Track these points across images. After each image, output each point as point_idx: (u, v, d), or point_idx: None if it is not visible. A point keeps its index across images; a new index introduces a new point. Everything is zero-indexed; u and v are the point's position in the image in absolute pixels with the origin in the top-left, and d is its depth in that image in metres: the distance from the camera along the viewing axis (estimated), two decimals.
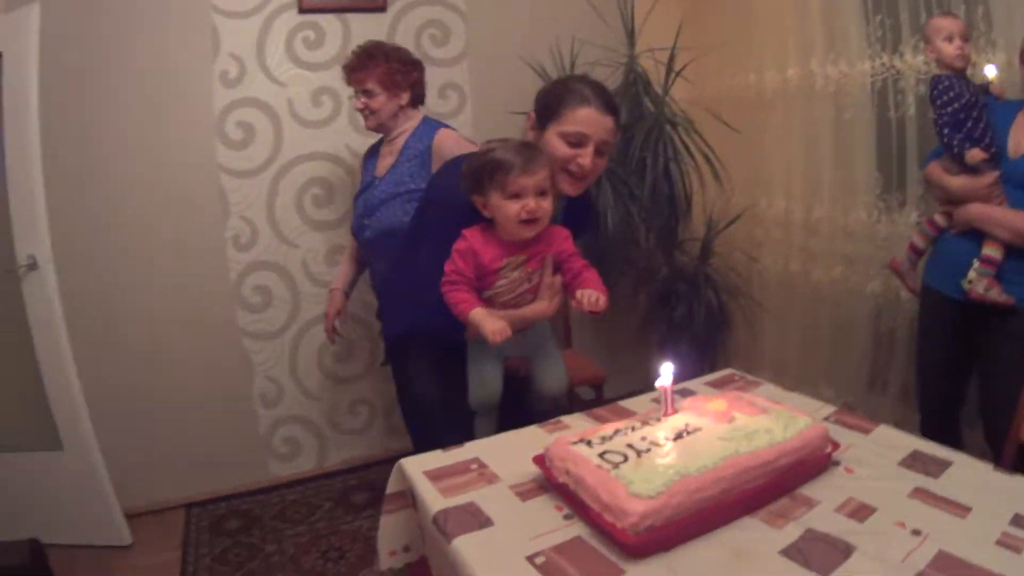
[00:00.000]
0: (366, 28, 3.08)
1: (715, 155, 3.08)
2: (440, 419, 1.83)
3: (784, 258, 3.16)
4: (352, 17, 3.08)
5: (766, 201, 3.24)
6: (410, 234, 2.02)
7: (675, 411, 1.37)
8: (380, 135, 2.57)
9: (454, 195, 1.73)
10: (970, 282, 1.97)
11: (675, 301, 3.18)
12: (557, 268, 1.78)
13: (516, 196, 1.61)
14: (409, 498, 1.43)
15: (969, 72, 2.04)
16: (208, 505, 2.99)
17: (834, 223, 2.87)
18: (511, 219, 1.63)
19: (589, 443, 1.25)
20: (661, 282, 3.30)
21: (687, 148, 3.11)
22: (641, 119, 3.09)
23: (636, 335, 3.44)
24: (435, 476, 1.38)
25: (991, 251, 1.94)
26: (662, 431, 1.28)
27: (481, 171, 1.64)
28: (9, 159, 2.50)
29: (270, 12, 2.95)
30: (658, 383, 1.35)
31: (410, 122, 2.48)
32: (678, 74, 3.15)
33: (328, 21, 3.05)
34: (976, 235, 1.99)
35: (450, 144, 2.35)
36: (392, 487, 1.46)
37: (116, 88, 2.76)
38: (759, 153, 3.20)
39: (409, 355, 1.99)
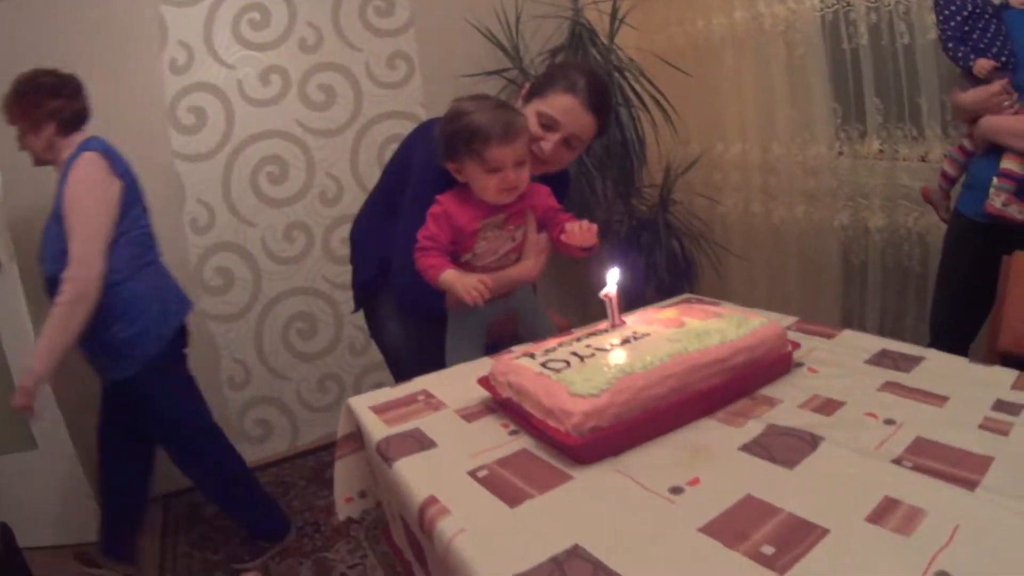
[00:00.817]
0: (311, 5, 3.06)
1: (666, 100, 3.04)
2: (411, 365, 1.73)
3: (744, 200, 3.13)
4: None
5: (722, 146, 3.20)
6: (382, 196, 1.97)
7: (622, 322, 1.32)
8: None
9: (431, 160, 1.64)
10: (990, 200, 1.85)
11: (637, 250, 3.12)
12: (542, 227, 1.72)
13: (494, 169, 1.54)
14: (360, 439, 1.37)
15: None
16: (185, 495, 2.94)
17: (792, 160, 2.82)
18: (489, 190, 1.56)
19: (532, 356, 1.20)
20: (623, 231, 3.25)
21: (637, 95, 3.06)
22: None
23: (600, 286, 3.38)
24: (380, 410, 1.32)
25: (1009, 164, 1.82)
26: (608, 339, 1.22)
27: (455, 137, 1.55)
28: None
29: None
30: (602, 292, 1.30)
31: (67, 151, 2.12)
32: (621, 21, 3.11)
33: (273, 1, 3.00)
34: (1001, 153, 1.87)
35: (71, 175, 2.04)
36: (343, 429, 1.40)
37: None
38: (713, 98, 3.15)
39: (378, 302, 1.96)
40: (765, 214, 3.02)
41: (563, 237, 1.60)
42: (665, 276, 3.04)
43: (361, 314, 2.09)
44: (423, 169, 1.71)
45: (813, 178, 2.76)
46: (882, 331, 2.61)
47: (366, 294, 2.00)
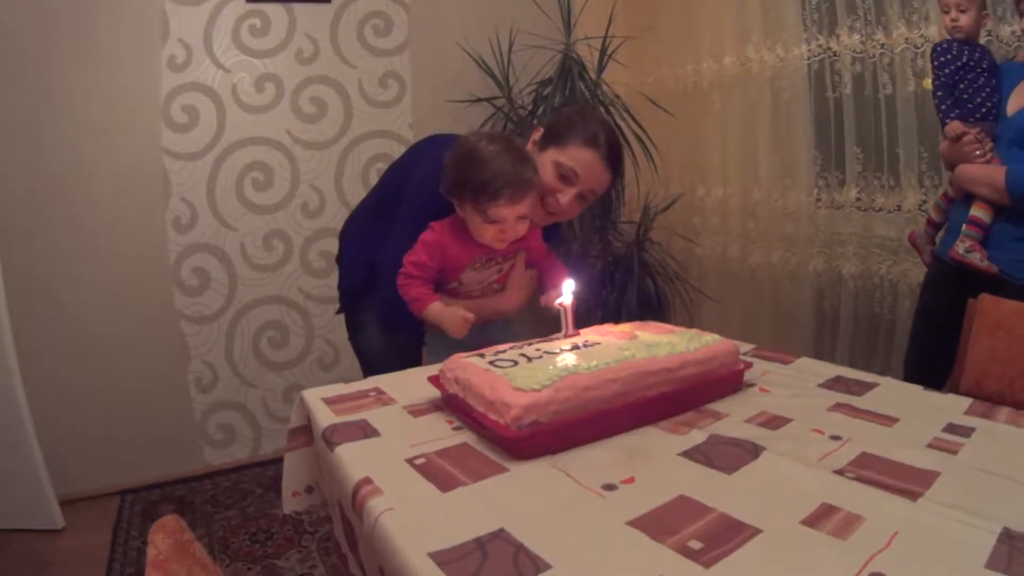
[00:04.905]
0: (311, 18, 3.11)
1: (648, 137, 3.08)
2: (386, 369, 1.74)
3: (722, 244, 3.15)
4: (298, 7, 3.09)
5: (704, 189, 3.24)
6: (376, 201, 1.95)
7: (576, 333, 1.33)
8: None
9: (432, 183, 1.61)
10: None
11: (611, 286, 3.13)
12: (529, 264, 1.74)
13: (495, 222, 1.53)
14: (310, 433, 1.36)
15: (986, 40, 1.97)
16: (143, 492, 2.93)
17: (772, 206, 2.85)
18: (485, 237, 1.56)
19: (482, 355, 1.21)
20: (599, 266, 3.26)
21: (621, 132, 3.08)
22: (574, 103, 3.07)
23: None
24: (332, 401, 1.32)
25: (977, 212, 1.83)
26: (559, 344, 1.24)
27: (464, 182, 1.52)
28: None
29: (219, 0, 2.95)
30: (557, 301, 1.31)
31: None
32: (610, 57, 3.16)
33: (274, 11, 3.05)
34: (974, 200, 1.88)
35: None
36: (294, 422, 1.40)
37: (66, 68, 2.73)
38: (697, 141, 3.20)
39: (362, 305, 1.93)
40: (742, 258, 3.04)
41: (542, 300, 1.61)
42: (636, 314, 3.04)
43: (333, 325, 2.07)
44: (422, 189, 1.68)
45: (792, 224, 2.78)
46: None
47: (352, 297, 1.99)
